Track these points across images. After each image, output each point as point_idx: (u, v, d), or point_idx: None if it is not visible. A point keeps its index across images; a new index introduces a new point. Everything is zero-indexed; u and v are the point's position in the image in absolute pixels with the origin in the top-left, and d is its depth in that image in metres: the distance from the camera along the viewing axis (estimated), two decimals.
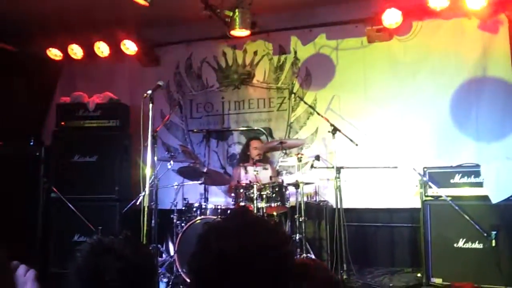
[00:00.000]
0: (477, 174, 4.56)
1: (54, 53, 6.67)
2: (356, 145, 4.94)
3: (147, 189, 3.97)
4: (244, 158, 5.91)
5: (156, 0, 4.10)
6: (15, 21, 5.79)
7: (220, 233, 1.22)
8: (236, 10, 4.79)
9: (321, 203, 5.53)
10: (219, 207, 5.10)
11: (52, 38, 6.44)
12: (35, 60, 6.59)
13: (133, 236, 1.39)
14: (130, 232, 1.42)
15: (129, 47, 6.38)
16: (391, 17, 5.42)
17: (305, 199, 5.14)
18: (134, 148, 5.45)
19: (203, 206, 5.04)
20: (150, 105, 4.05)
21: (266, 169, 5.67)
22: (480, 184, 4.52)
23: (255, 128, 6.33)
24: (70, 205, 5.27)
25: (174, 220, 5.11)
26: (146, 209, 3.90)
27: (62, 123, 5.92)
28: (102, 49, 6.50)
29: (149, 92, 4.07)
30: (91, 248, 1.31)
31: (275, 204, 4.91)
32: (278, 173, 6.06)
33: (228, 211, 4.93)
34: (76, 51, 6.59)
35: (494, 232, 4.29)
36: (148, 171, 4.03)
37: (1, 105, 6.07)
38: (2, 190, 5.26)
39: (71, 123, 5.91)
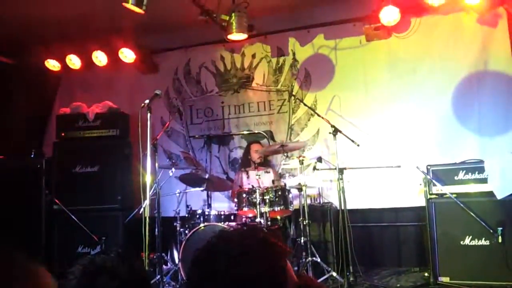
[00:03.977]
0: (481, 170, 4.53)
1: (52, 64, 6.65)
2: (358, 145, 4.88)
3: (148, 198, 3.95)
4: (246, 162, 5.86)
5: (152, 7, 4.07)
6: (12, 33, 5.78)
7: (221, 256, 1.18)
8: (233, 14, 4.76)
9: (325, 205, 5.49)
10: (222, 213, 5.07)
11: (50, 49, 6.44)
12: (33, 72, 6.58)
13: (125, 252, 1.36)
14: (131, 244, 1.40)
15: (127, 55, 6.35)
16: (389, 15, 5.37)
17: (308, 201, 5.10)
18: (135, 156, 5.43)
19: (207, 213, 5.01)
20: (149, 114, 4.03)
21: (268, 172, 5.62)
22: (484, 180, 4.49)
23: (256, 131, 6.29)
24: (73, 217, 5.25)
25: (178, 228, 5.07)
26: (147, 218, 3.88)
27: (62, 134, 5.94)
28: (100, 58, 6.48)
29: (147, 101, 4.05)
30: (83, 270, 1.27)
31: (279, 208, 4.85)
32: (280, 177, 6.02)
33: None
34: (74, 61, 6.56)
35: (500, 228, 4.26)
36: (149, 179, 4.01)
37: (1, 118, 6.07)
38: (4, 203, 5.24)
39: (71, 134, 5.94)
